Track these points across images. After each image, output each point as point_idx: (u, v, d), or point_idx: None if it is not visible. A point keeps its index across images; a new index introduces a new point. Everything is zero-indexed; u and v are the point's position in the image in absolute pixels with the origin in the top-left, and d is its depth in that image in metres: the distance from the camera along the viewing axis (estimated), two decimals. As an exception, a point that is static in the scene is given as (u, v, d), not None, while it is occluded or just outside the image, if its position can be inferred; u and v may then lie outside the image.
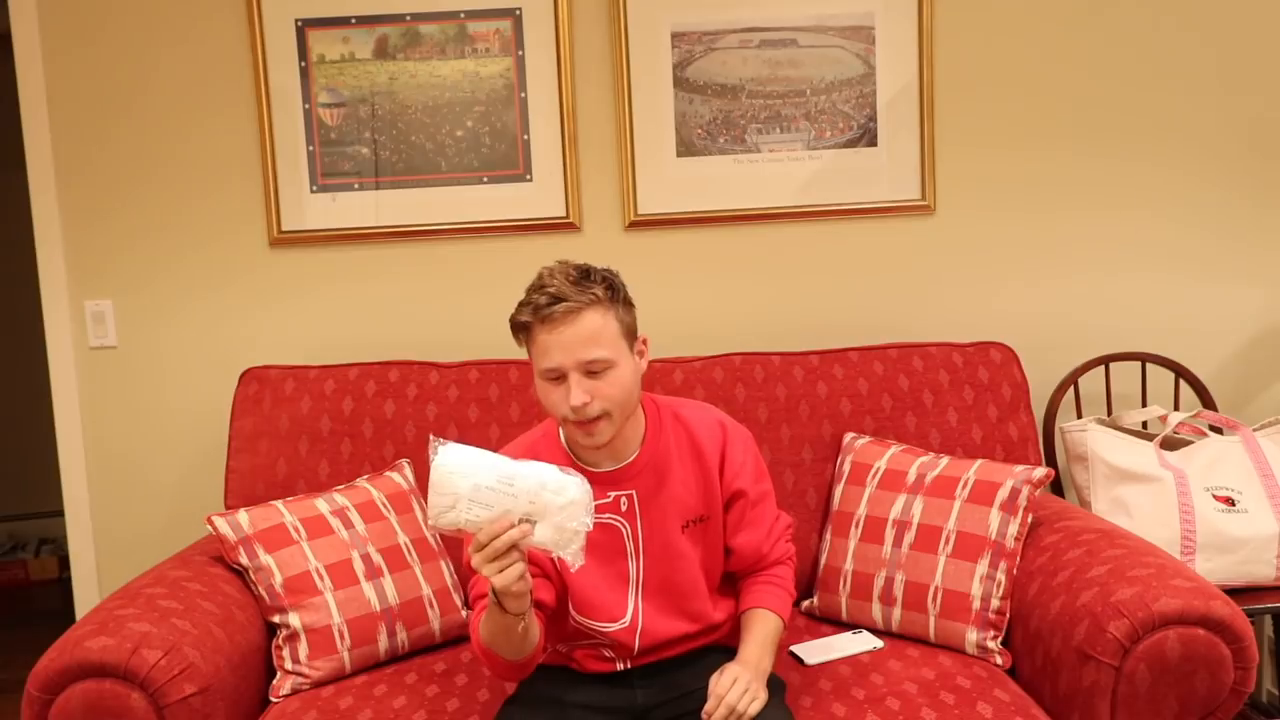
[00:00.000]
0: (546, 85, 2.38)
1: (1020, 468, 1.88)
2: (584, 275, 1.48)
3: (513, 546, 1.32)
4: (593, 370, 1.46)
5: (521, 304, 1.49)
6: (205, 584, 1.79)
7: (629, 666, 1.62)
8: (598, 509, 1.56)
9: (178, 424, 2.43)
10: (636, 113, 2.38)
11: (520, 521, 1.33)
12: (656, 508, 1.59)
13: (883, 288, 2.46)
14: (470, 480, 1.33)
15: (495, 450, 1.46)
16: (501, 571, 1.32)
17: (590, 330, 1.46)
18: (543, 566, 1.59)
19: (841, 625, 1.94)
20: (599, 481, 1.58)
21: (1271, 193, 2.46)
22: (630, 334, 1.52)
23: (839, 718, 1.59)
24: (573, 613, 1.60)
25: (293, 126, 2.37)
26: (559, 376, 1.47)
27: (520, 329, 1.50)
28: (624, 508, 1.58)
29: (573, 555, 1.35)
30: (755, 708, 1.44)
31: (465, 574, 1.63)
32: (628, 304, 1.53)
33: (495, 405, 2.15)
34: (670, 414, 1.65)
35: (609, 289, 1.49)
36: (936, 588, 1.82)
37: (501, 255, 2.42)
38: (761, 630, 1.59)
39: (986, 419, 2.15)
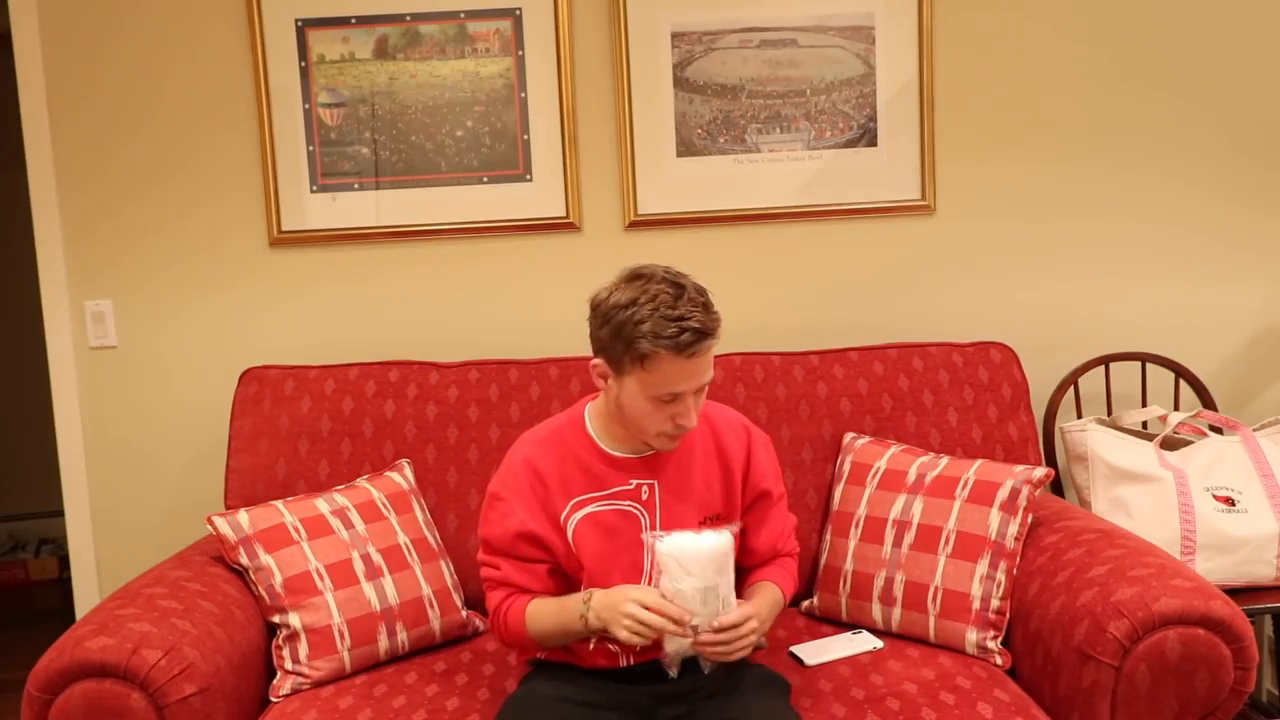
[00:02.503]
0: (546, 85, 2.37)
1: (1020, 468, 1.88)
2: (706, 300, 1.49)
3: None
4: (701, 390, 1.52)
5: (650, 333, 1.44)
6: (205, 584, 1.79)
7: (632, 663, 1.62)
8: (619, 495, 1.61)
9: (178, 424, 2.43)
10: (636, 113, 2.38)
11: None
12: (677, 500, 1.62)
13: (883, 288, 2.46)
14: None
15: (517, 437, 1.61)
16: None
17: (711, 357, 1.50)
18: (558, 560, 1.62)
19: (841, 625, 1.94)
20: (623, 467, 1.61)
21: (1269, 196, 2.46)
22: None
23: (839, 718, 1.59)
24: None
25: (293, 126, 2.37)
26: (674, 399, 1.49)
27: (639, 353, 1.46)
28: (644, 496, 1.60)
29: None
30: (744, 652, 1.48)
31: (488, 553, 1.68)
32: None
33: (495, 405, 2.15)
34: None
35: (713, 307, 1.51)
36: (936, 588, 1.82)
37: (501, 255, 2.42)
38: (769, 595, 1.64)
39: (986, 419, 2.15)
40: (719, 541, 1.46)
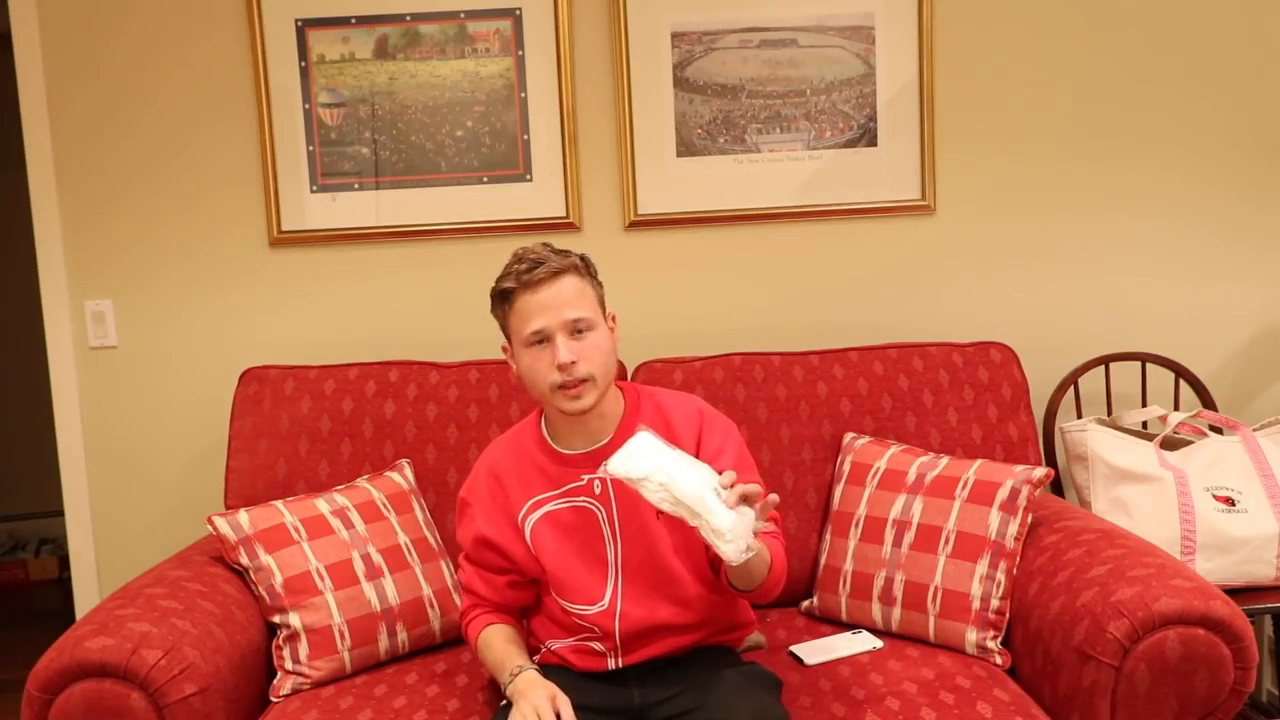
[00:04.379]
0: (546, 85, 2.38)
1: (1020, 468, 1.88)
2: (556, 249, 1.58)
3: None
4: (577, 330, 1.53)
5: (501, 276, 1.58)
6: (205, 584, 1.79)
7: (620, 665, 1.62)
8: (574, 491, 1.62)
9: (178, 424, 2.43)
10: (636, 113, 2.38)
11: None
12: (630, 491, 1.60)
13: (883, 288, 2.46)
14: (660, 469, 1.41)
15: (482, 447, 1.55)
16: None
17: (572, 291, 1.54)
18: (519, 567, 1.64)
19: (841, 625, 1.94)
20: (574, 464, 1.62)
21: (1270, 194, 2.46)
22: (603, 306, 1.61)
23: (838, 718, 1.59)
24: (553, 595, 1.62)
25: (293, 126, 2.37)
26: (544, 339, 1.53)
27: (502, 298, 1.58)
28: (598, 490, 1.60)
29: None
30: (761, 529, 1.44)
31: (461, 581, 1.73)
32: (598, 282, 1.61)
33: (495, 405, 2.15)
34: (650, 400, 1.67)
35: (584, 261, 1.59)
36: (936, 588, 1.82)
37: (502, 255, 2.37)
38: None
39: (986, 419, 2.15)
40: (635, 439, 1.45)
